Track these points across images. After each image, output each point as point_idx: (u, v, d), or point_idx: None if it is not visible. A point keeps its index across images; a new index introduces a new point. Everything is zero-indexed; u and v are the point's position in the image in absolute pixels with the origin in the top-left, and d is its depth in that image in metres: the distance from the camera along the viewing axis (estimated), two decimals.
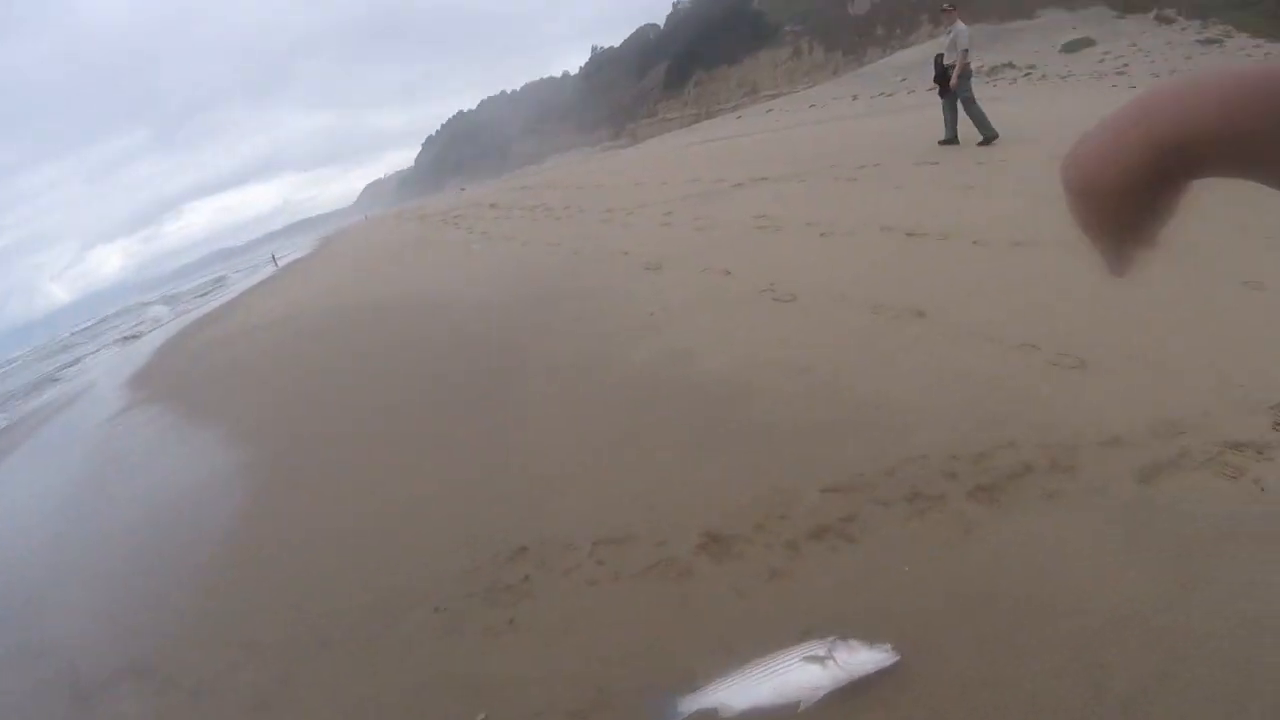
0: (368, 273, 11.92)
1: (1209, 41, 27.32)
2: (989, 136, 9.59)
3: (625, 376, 4.27)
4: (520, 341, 5.34)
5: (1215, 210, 5.39)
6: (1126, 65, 24.62)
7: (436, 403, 4.58)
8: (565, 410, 4.00)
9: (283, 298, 12.23)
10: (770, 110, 35.32)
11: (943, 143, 10.07)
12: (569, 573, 2.54)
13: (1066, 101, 15.85)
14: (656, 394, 3.91)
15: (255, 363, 7.73)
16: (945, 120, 10.12)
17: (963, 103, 9.83)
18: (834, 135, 15.48)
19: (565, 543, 2.66)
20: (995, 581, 2.21)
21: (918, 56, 34.01)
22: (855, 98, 29.74)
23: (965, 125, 9.93)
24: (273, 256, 23.12)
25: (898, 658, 1.96)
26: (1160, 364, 3.13)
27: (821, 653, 1.95)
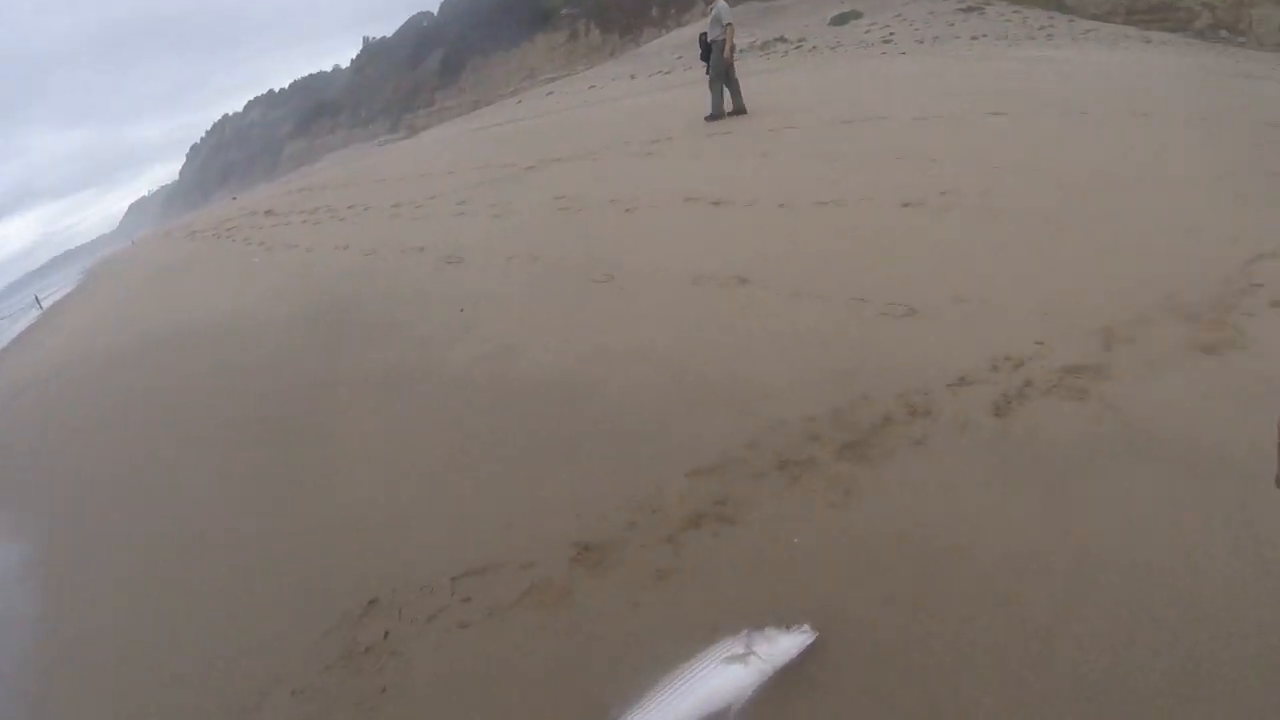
0: (140, 304, 10.38)
1: (969, 9, 30.29)
2: (718, 114, 10.25)
3: (446, 383, 3.94)
4: (323, 358, 4.80)
5: (1006, 157, 5.98)
6: (892, 34, 26.76)
7: (238, 443, 3.97)
8: (387, 430, 3.61)
9: (47, 346, 10.35)
10: (551, 93, 35.10)
11: (730, 114, 10.42)
12: (433, 619, 2.26)
13: (839, 70, 17.05)
14: (485, 400, 3.64)
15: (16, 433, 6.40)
16: (729, 93, 10.49)
17: (711, 76, 10.29)
18: (620, 113, 15.59)
19: (420, 585, 2.37)
20: (888, 537, 2.24)
21: (693, 34, 34.96)
22: (633, 77, 30.20)
23: (746, 96, 10.37)
24: (36, 299, 19.77)
25: (816, 634, 1.92)
26: (985, 301, 3.37)
27: (740, 650, 1.86)
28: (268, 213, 14.62)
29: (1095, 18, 29.63)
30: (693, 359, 3.49)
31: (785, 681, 1.86)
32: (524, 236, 6.49)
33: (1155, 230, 4.07)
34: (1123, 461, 2.32)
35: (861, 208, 5.04)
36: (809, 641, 1.91)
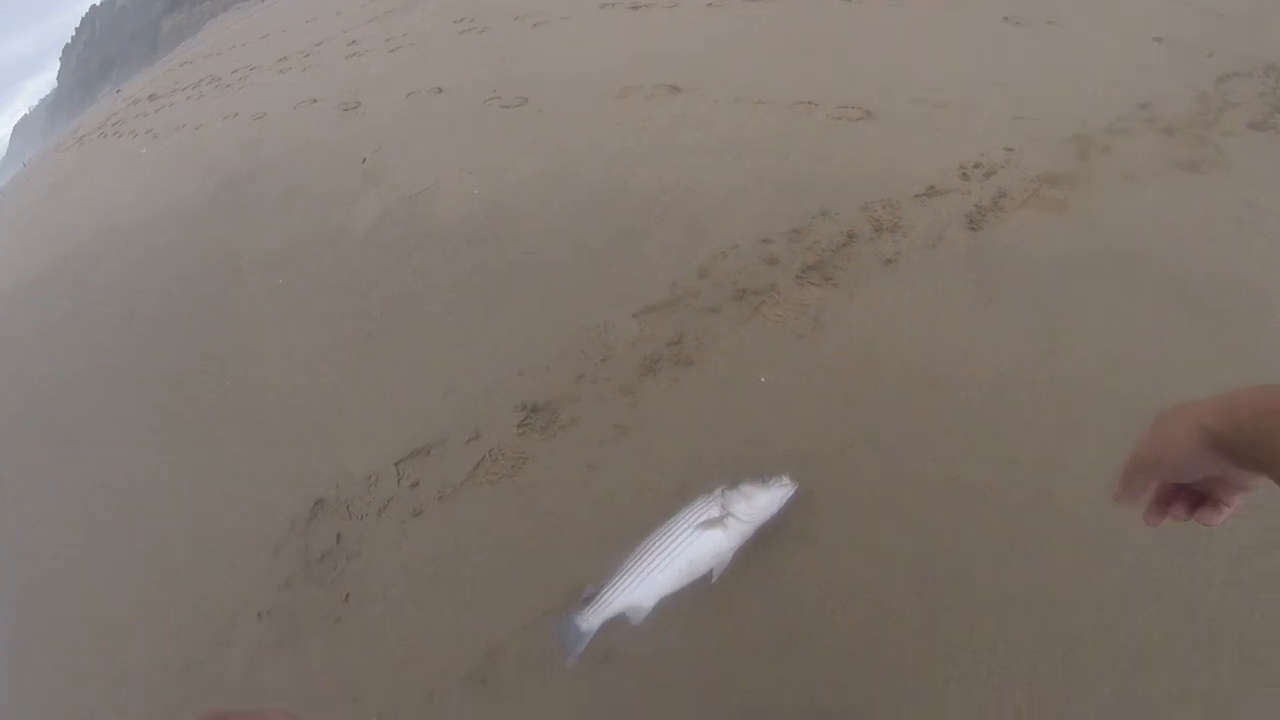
0: (40, 227, 9.56)
1: None
2: None
3: (354, 247, 3.56)
4: (224, 242, 4.36)
5: None
6: None
7: (155, 362, 3.61)
8: (301, 309, 3.26)
9: None
10: None
11: None
12: (384, 511, 2.10)
13: None
14: (398, 258, 3.29)
15: None
16: None
17: None
18: None
19: (364, 476, 2.20)
20: (864, 369, 2.05)
21: None
22: None
23: None
24: None
25: (796, 486, 1.77)
26: (948, 105, 2.98)
27: (715, 512, 1.70)
28: (151, 98, 13.22)
29: None
30: (626, 183, 3.14)
31: (769, 539, 1.75)
32: (424, 67, 5.81)
33: (1125, 35, 3.55)
34: (1107, 285, 2.09)
35: (799, 3, 4.44)
36: (789, 495, 1.77)
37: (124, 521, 2.56)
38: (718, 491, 1.75)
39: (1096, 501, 1.67)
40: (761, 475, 1.77)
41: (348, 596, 1.98)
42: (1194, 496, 0.78)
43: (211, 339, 3.38)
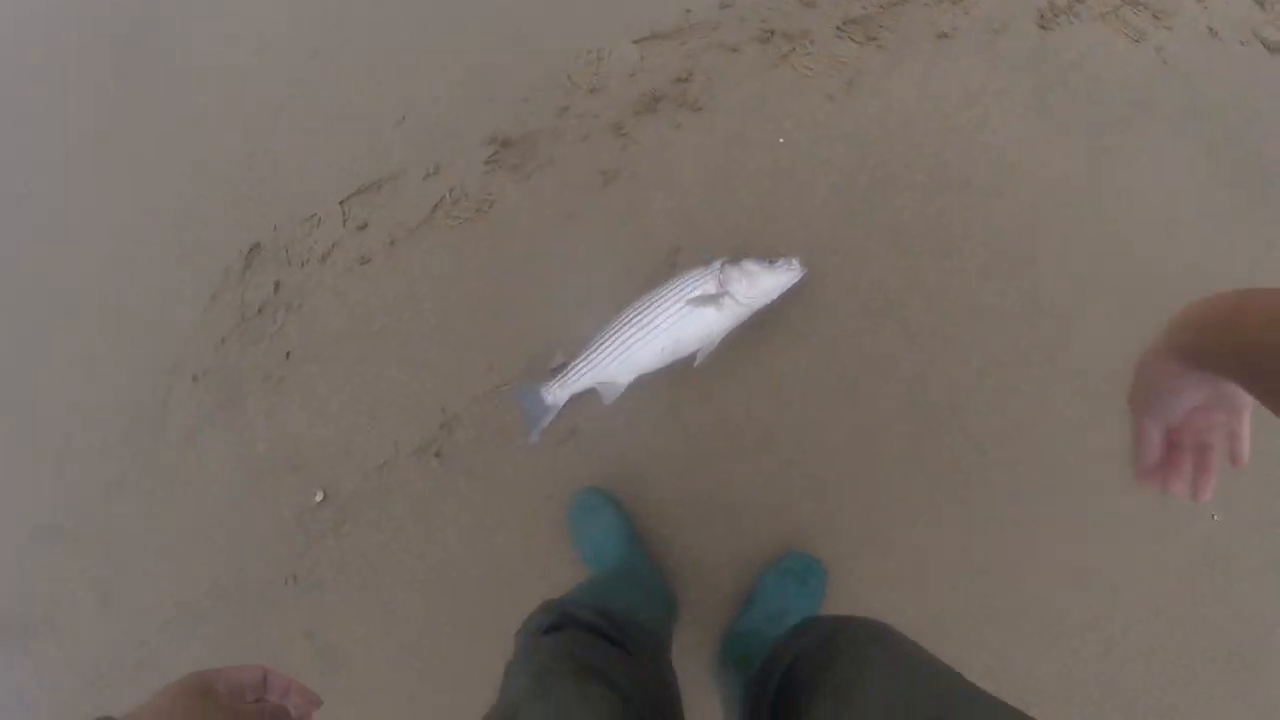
0: None
1: None
2: None
3: None
4: None
5: None
6: None
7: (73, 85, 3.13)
8: (239, 22, 2.29)
9: None
10: None
11: None
12: (327, 257, 1.78)
13: None
14: None
15: None
16: None
17: None
18: None
19: (305, 215, 1.84)
20: (897, 151, 1.63)
21: None
22: None
23: None
24: None
25: (805, 271, 1.47)
26: None
27: (712, 288, 1.41)
28: None
29: None
30: None
31: (762, 326, 1.46)
32: None
33: None
34: (1169, 137, 1.62)
35: None
36: (795, 280, 1.46)
37: (48, 276, 2.25)
38: (717, 265, 1.43)
39: (1104, 364, 1.49)
40: (768, 254, 1.46)
41: (289, 355, 1.73)
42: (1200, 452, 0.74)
43: (137, 76, 2.84)
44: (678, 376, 1.47)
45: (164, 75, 2.18)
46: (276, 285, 1.79)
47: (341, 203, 1.82)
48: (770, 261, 1.44)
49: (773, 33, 1.72)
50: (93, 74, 2.27)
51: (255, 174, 1.93)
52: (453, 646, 1.56)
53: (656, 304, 1.41)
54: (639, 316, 1.41)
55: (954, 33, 1.69)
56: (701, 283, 1.40)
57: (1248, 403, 0.69)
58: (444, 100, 1.86)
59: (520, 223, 1.69)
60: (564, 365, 1.53)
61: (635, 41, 1.79)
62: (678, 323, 1.39)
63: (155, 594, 1.70)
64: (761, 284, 1.43)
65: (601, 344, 1.44)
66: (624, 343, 1.42)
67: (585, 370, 1.46)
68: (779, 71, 1.70)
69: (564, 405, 1.51)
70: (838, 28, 1.71)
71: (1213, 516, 1.43)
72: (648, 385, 1.48)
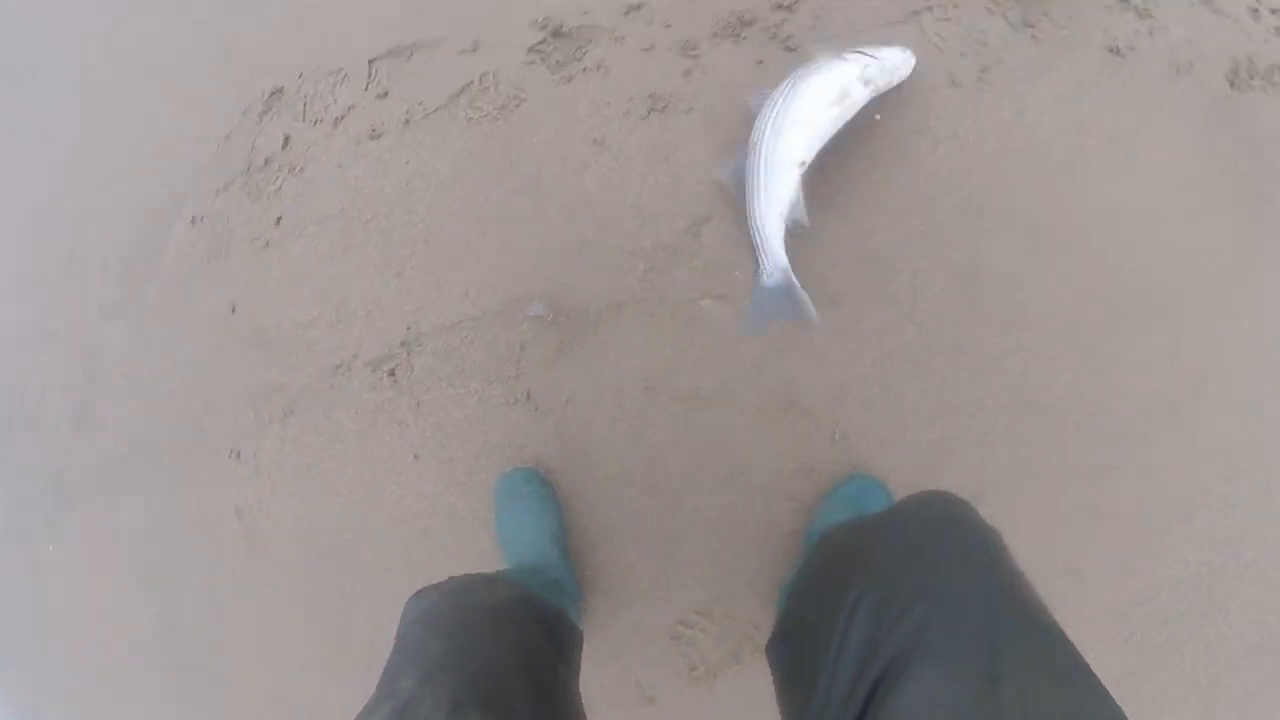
0: None
1: None
2: None
3: None
4: None
5: None
6: None
7: None
8: None
9: None
10: None
11: None
12: (341, 121, 1.60)
13: None
14: None
15: None
16: None
17: None
18: None
19: (332, 69, 1.64)
20: (1006, 174, 1.31)
21: None
22: None
23: None
24: None
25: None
26: None
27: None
28: None
29: None
30: None
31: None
32: None
33: None
34: None
35: None
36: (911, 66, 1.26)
37: (85, 63, 2.14)
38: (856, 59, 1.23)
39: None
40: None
41: (279, 220, 1.60)
42: None
43: None
44: (665, 366, 1.24)
45: None
46: (286, 140, 1.63)
47: (370, 61, 1.60)
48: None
49: None
50: None
51: (295, 10, 1.73)
52: (359, 571, 1.49)
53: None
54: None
55: (1129, 52, 1.23)
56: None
57: None
58: None
59: (542, 135, 1.43)
60: (541, 311, 1.34)
61: None
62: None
63: (118, 428, 1.71)
64: (893, 61, 1.24)
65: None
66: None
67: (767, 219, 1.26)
68: (904, 29, 1.30)
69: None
70: None
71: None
72: (623, 367, 1.26)
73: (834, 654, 0.70)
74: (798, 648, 0.83)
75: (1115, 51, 1.26)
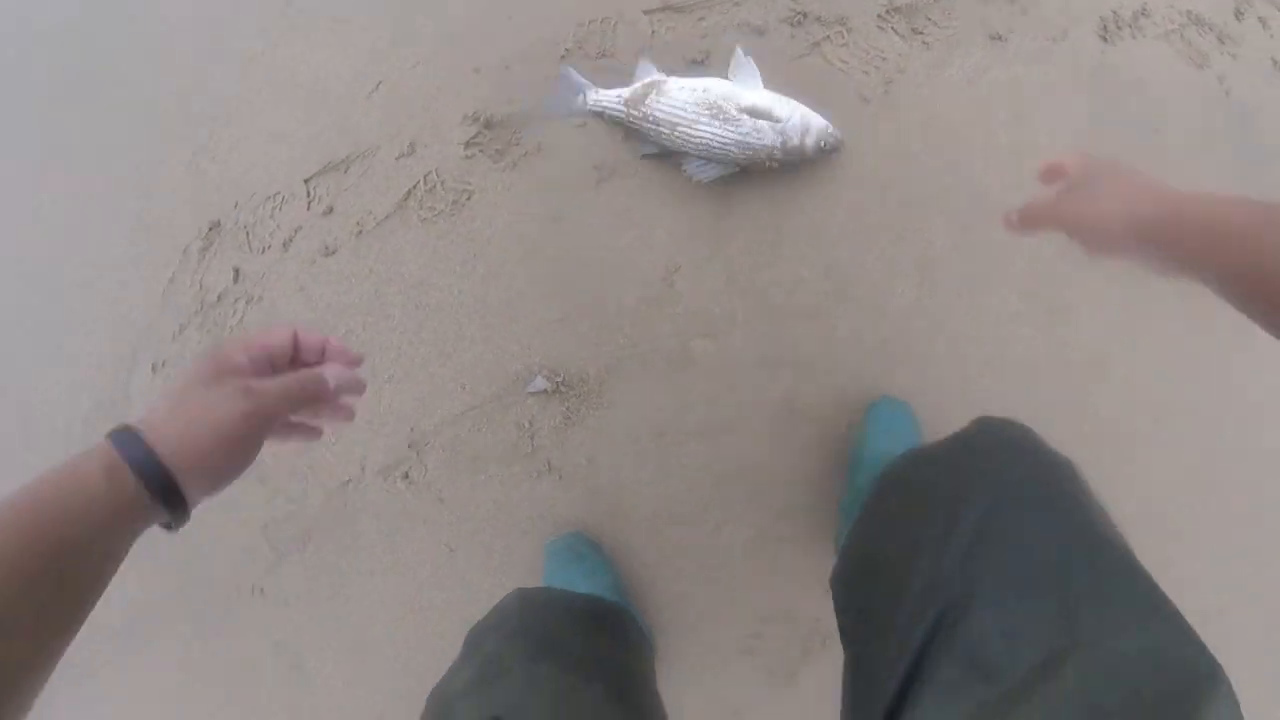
0: None
1: None
2: None
3: None
4: None
5: None
6: None
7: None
8: None
9: None
10: None
11: None
12: (290, 244, 1.62)
13: None
14: None
15: None
16: None
17: None
18: None
19: (268, 193, 1.64)
20: (933, 169, 1.47)
21: None
22: None
23: None
24: None
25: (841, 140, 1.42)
26: None
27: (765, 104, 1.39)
28: None
29: None
30: None
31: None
32: None
33: None
34: (1233, 173, 1.48)
35: None
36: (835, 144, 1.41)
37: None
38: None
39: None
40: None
41: None
42: None
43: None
44: (672, 409, 1.35)
45: (126, 26, 1.93)
46: (236, 273, 1.63)
47: (307, 181, 1.63)
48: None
49: (805, 15, 1.46)
50: (51, 19, 2.02)
51: (219, 142, 1.73)
52: (420, 675, 1.52)
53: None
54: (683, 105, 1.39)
55: (1009, 35, 1.44)
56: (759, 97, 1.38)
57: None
58: (425, 66, 1.63)
59: (499, 222, 1.51)
60: (543, 386, 1.42)
61: (646, 12, 1.53)
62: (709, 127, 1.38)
63: (123, 600, 1.66)
64: (814, 126, 1.37)
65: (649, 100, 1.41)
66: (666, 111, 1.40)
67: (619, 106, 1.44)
68: (808, 61, 1.46)
69: (590, 107, 1.47)
70: (880, 16, 1.45)
71: None
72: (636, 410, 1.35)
73: (904, 592, 0.71)
74: (866, 586, 0.85)
75: (997, 37, 1.46)
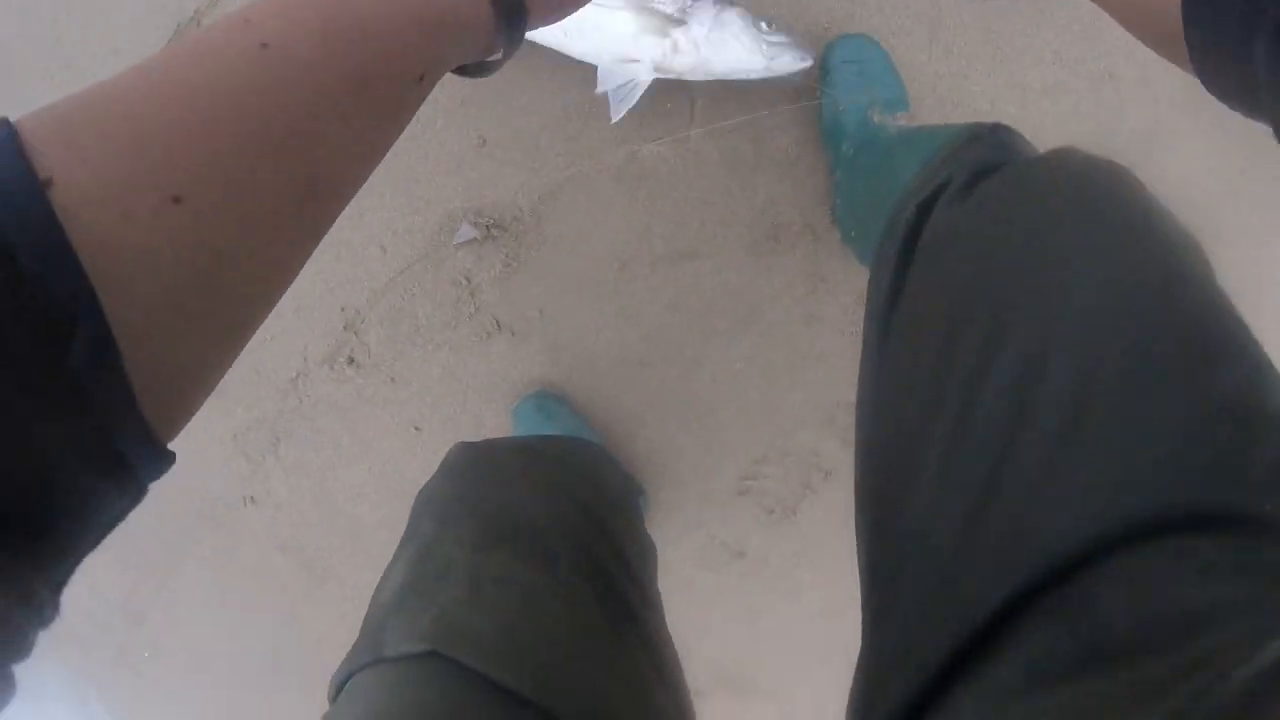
0: None
1: None
2: None
3: None
4: None
5: None
6: None
7: None
8: None
9: None
10: None
11: None
12: None
13: None
14: None
15: None
16: None
17: None
18: None
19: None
20: None
21: None
22: None
23: None
24: None
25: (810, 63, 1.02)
26: None
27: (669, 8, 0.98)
28: None
29: None
30: None
31: None
32: None
33: None
34: None
35: None
36: (793, 69, 1.00)
37: None
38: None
39: None
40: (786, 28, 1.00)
41: None
42: None
43: None
44: (631, 235, 1.12)
45: None
46: None
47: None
48: (773, 31, 0.98)
49: None
50: None
51: None
52: None
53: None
54: None
55: None
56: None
57: None
58: None
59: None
60: (471, 234, 1.20)
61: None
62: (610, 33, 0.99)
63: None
64: (729, 51, 0.97)
65: None
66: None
67: None
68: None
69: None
70: None
71: None
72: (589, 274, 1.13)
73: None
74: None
75: None
